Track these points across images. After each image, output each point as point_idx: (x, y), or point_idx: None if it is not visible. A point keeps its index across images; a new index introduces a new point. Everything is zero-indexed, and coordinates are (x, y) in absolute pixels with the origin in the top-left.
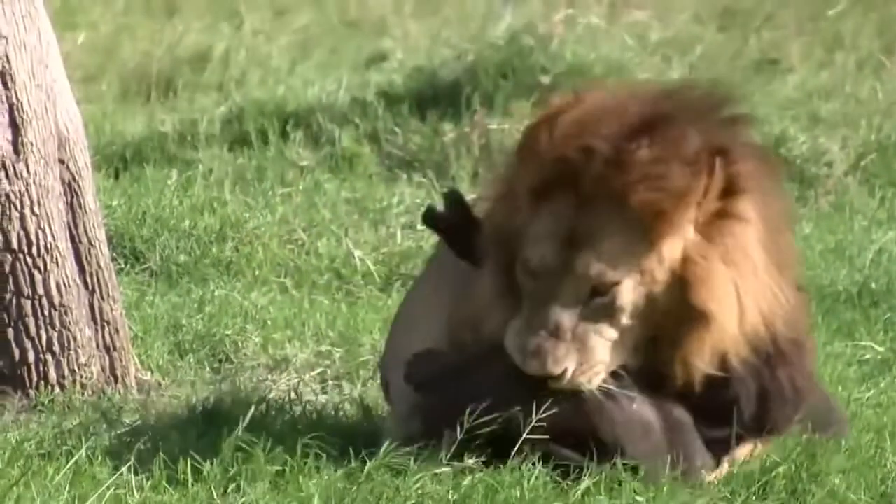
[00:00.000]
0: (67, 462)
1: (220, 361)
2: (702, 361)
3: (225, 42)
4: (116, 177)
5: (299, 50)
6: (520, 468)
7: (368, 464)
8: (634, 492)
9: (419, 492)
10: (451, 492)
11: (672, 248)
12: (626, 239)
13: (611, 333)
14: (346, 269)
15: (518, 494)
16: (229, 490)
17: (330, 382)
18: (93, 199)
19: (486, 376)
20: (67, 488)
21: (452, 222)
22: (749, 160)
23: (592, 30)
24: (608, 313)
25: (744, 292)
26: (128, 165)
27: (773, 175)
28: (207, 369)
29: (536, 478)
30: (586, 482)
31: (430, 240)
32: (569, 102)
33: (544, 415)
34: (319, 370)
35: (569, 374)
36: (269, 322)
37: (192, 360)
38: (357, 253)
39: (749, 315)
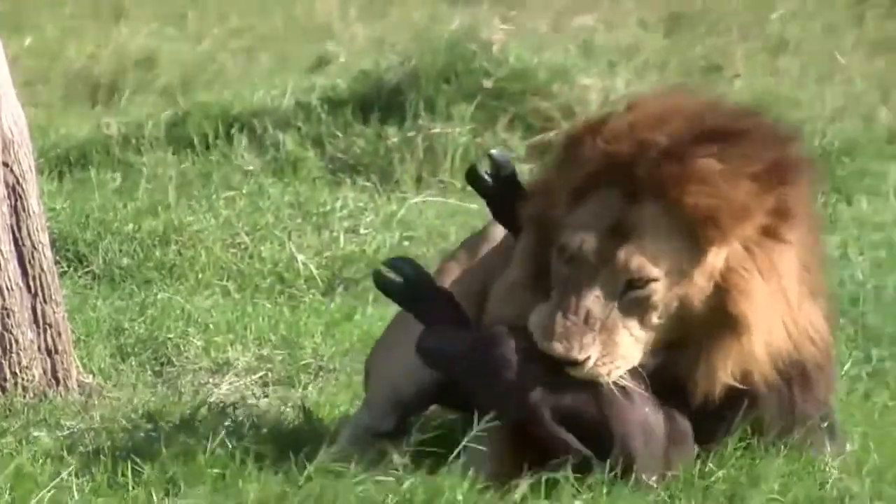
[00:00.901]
0: (8, 465)
1: (162, 364)
2: (726, 372)
3: (171, 46)
4: (60, 180)
5: (245, 54)
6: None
7: (308, 467)
8: (573, 496)
9: (360, 495)
10: (390, 496)
11: (717, 255)
12: (672, 238)
13: (639, 330)
14: (288, 273)
15: (459, 498)
16: (169, 493)
17: (271, 386)
18: (36, 202)
19: (500, 355)
20: (8, 491)
21: (496, 186)
22: (801, 186)
23: (536, 35)
24: (640, 309)
25: (775, 312)
26: (72, 168)
27: (815, 202)
28: (149, 372)
29: (476, 481)
30: (524, 485)
31: (372, 245)
32: (620, 109)
33: (557, 397)
34: (261, 374)
35: (590, 364)
36: (211, 325)
37: (133, 363)
38: (300, 257)
39: (777, 335)
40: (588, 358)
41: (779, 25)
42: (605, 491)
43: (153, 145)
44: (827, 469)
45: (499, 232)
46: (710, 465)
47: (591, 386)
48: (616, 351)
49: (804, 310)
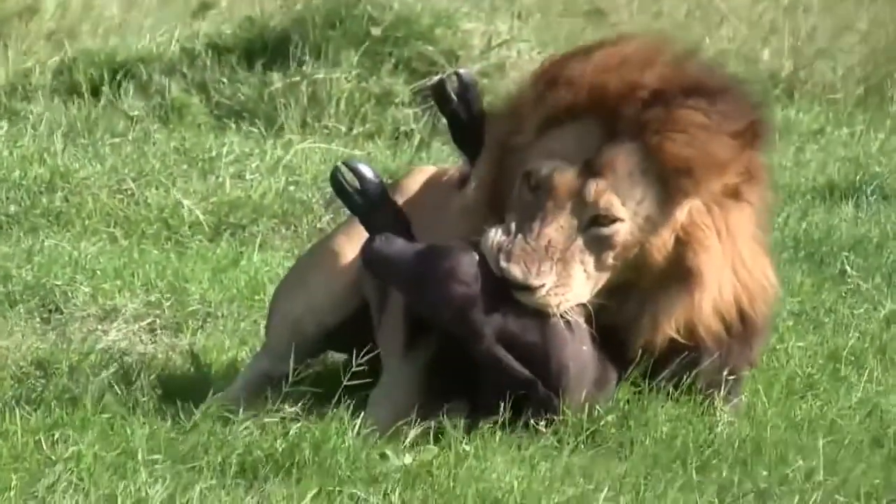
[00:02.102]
0: None
1: (50, 312)
2: (670, 324)
3: None
4: None
5: (130, 1)
6: (344, 418)
7: (195, 414)
8: (462, 441)
9: (246, 440)
10: (278, 440)
11: (681, 208)
12: (645, 182)
13: (593, 268)
14: (174, 220)
15: (346, 444)
16: (58, 440)
17: (159, 332)
18: None
19: (450, 268)
20: None
21: (460, 105)
22: (765, 149)
23: None
24: (600, 248)
25: (727, 271)
26: None
27: (770, 166)
28: (37, 319)
29: (362, 427)
30: (413, 432)
31: (258, 190)
32: (609, 41)
33: (502, 319)
34: (149, 320)
35: (543, 292)
36: (98, 272)
37: (21, 310)
38: (186, 203)
39: (726, 294)
40: (542, 285)
41: None
42: (496, 437)
43: (39, 93)
44: (717, 413)
45: (412, 183)
46: (599, 408)
47: (538, 314)
48: (569, 283)
49: (760, 267)
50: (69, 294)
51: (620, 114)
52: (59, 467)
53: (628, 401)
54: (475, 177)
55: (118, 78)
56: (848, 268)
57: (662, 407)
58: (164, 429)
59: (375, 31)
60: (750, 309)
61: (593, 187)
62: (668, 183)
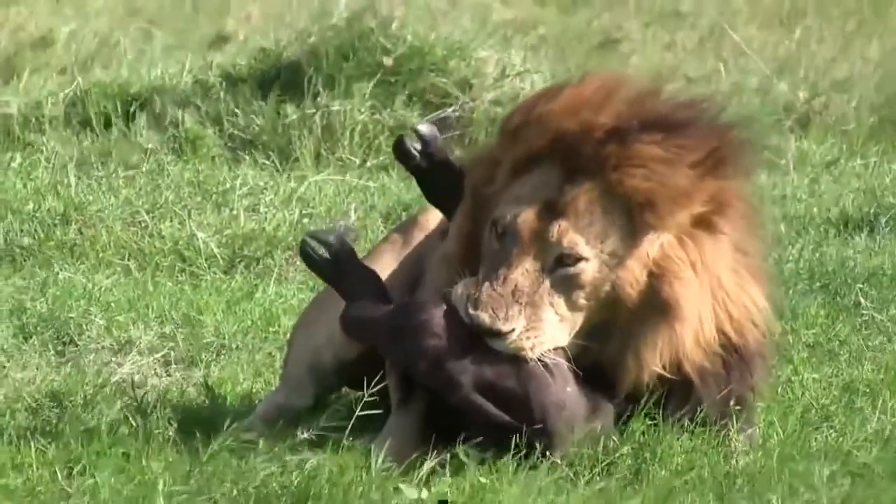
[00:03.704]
0: None
1: (65, 344)
2: (654, 359)
3: (69, 25)
4: None
5: (143, 33)
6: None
7: (212, 445)
8: (478, 472)
9: (262, 473)
10: (294, 472)
11: (651, 243)
12: (607, 219)
13: (565, 310)
14: (189, 252)
15: (363, 477)
16: (74, 472)
17: (174, 364)
18: None
19: (423, 321)
20: None
21: (424, 162)
22: (739, 176)
23: (433, 11)
24: (568, 288)
25: (707, 303)
26: None
27: (754, 186)
28: (52, 352)
29: (382, 461)
30: (428, 464)
31: (272, 222)
32: (573, 82)
33: (478, 367)
34: (163, 352)
35: (514, 336)
36: (112, 304)
37: (36, 342)
38: (200, 235)
39: (708, 326)
40: (512, 330)
41: (674, 0)
42: (510, 470)
43: (53, 124)
44: (732, 444)
45: (432, 218)
46: (615, 440)
47: (514, 360)
48: (541, 326)
49: (746, 294)
50: (83, 326)
51: (579, 154)
52: (75, 500)
53: (643, 433)
54: (452, 228)
55: (131, 110)
56: (862, 299)
57: (678, 439)
58: (180, 461)
59: (388, 62)
60: (739, 337)
61: (556, 228)
62: (632, 218)
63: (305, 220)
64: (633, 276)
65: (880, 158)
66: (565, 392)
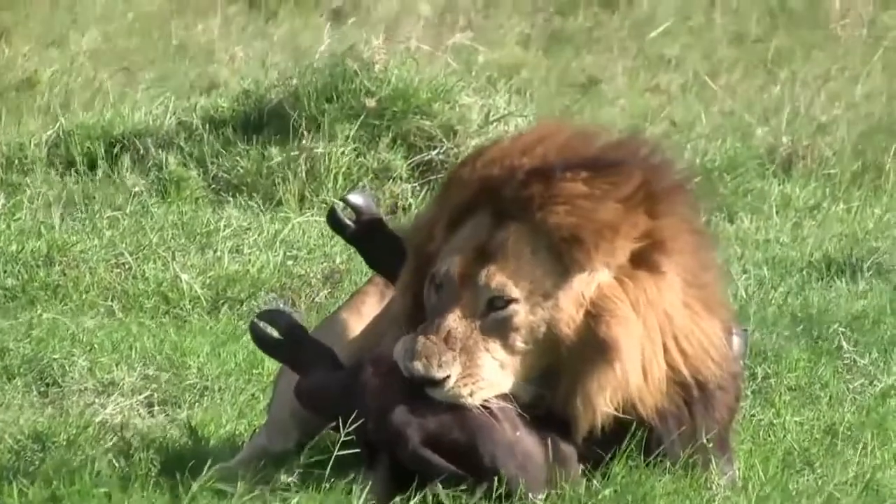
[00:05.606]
0: None
1: (48, 385)
2: (603, 401)
3: (53, 66)
4: None
5: (127, 75)
6: (346, 489)
7: (193, 486)
8: None
9: None
10: None
11: (584, 283)
12: (535, 259)
13: (502, 354)
14: (173, 293)
15: None
16: None
17: (157, 406)
18: None
19: (363, 381)
20: None
21: (359, 230)
22: (676, 213)
23: (416, 53)
24: (502, 331)
25: (651, 341)
26: None
27: (699, 219)
28: (35, 393)
29: (364, 499)
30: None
31: (256, 264)
32: (506, 138)
33: (422, 420)
34: (146, 394)
35: (450, 383)
36: (96, 346)
37: (19, 383)
38: (184, 277)
39: (654, 367)
40: (448, 377)
41: (658, 44)
42: None
43: (36, 166)
44: (713, 487)
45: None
46: (596, 483)
47: (458, 409)
48: (478, 372)
49: (699, 328)
50: (67, 368)
51: (505, 197)
52: None
53: (624, 476)
54: (397, 290)
55: (115, 151)
56: (844, 343)
57: (660, 481)
58: (162, 501)
59: (371, 103)
60: (695, 373)
61: (485, 272)
62: (561, 256)
63: (289, 262)
64: (569, 315)
65: (863, 203)
66: (515, 436)
